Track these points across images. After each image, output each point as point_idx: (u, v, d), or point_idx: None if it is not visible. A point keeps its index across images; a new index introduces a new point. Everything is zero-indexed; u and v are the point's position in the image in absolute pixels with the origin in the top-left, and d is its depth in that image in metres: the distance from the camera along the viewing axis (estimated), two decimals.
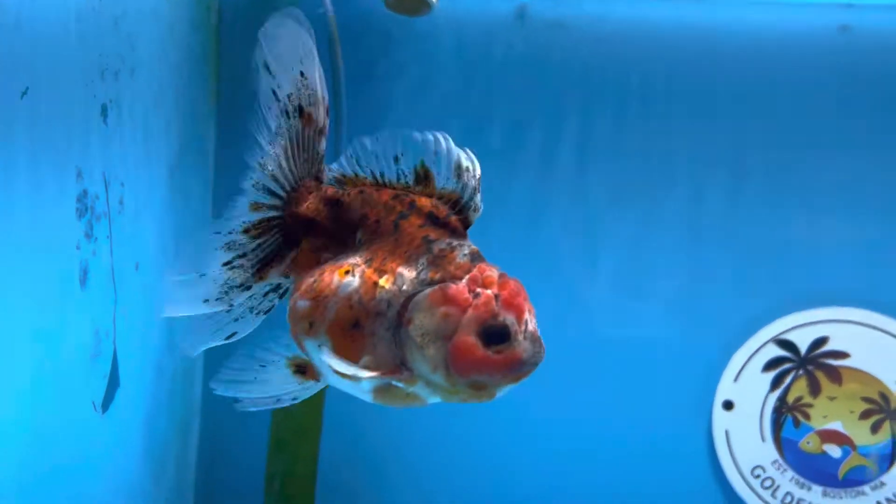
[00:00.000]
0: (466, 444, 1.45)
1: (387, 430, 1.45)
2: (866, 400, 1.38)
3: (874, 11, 1.37)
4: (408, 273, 0.64)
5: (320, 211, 0.69)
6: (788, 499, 1.40)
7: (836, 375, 1.39)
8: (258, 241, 0.69)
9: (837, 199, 1.40)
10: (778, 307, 1.40)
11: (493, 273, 0.63)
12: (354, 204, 0.68)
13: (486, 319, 0.61)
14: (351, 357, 0.64)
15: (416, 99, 1.44)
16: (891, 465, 1.37)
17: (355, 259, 0.66)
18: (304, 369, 0.71)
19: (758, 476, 1.41)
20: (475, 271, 0.63)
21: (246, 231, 0.69)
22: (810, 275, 1.40)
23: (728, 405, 1.42)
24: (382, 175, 0.67)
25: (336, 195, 0.69)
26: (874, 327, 1.37)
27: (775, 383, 1.41)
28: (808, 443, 1.40)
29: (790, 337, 1.40)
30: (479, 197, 0.67)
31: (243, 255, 0.69)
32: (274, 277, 0.71)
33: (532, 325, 0.62)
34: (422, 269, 0.64)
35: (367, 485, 1.47)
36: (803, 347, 1.40)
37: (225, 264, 0.68)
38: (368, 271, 0.65)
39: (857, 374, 1.38)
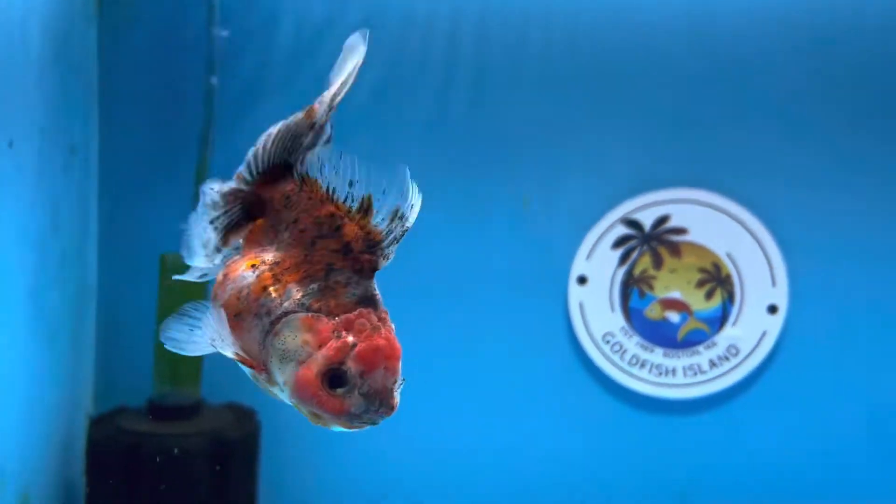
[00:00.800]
0: None
1: None
2: (702, 270, 1.55)
3: None
4: (296, 292, 0.67)
5: (275, 199, 0.72)
6: (634, 360, 1.56)
7: (676, 250, 1.56)
8: (226, 208, 0.72)
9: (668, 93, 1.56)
10: (625, 190, 1.55)
11: (366, 322, 0.66)
12: (297, 205, 0.71)
13: (331, 363, 0.64)
14: (233, 329, 0.69)
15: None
16: (721, 326, 1.55)
17: (267, 256, 0.70)
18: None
19: (608, 342, 1.57)
20: (353, 315, 0.66)
21: (223, 195, 0.72)
22: (653, 160, 1.56)
23: (582, 280, 1.58)
24: (334, 191, 0.69)
25: (291, 191, 0.71)
26: (709, 205, 1.53)
27: (623, 259, 1.57)
28: (652, 311, 1.57)
29: (636, 216, 1.55)
30: (394, 248, 0.69)
31: (216, 218, 0.72)
32: (233, 244, 0.74)
33: (379, 385, 0.65)
34: (309, 293, 0.67)
35: None
36: (647, 225, 1.55)
37: (211, 222, 0.72)
38: (266, 273, 0.68)
39: (694, 247, 1.55)
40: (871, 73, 1.52)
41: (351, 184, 0.69)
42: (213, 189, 0.71)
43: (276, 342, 0.66)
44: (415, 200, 0.68)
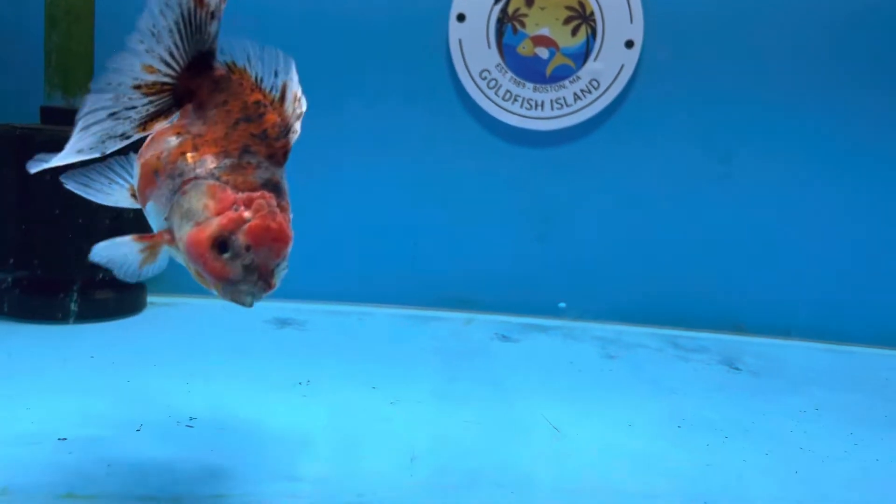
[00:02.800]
0: None
1: None
2: (568, 8, 1.70)
3: None
4: (210, 162, 0.73)
5: (204, 86, 0.77)
6: (508, 95, 1.72)
7: None
8: (149, 98, 0.76)
9: None
10: None
11: (265, 204, 0.71)
12: (227, 89, 0.76)
13: (223, 230, 0.69)
14: (145, 185, 0.76)
15: None
16: (584, 61, 1.71)
17: (193, 126, 0.76)
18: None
19: (484, 78, 1.71)
20: (256, 195, 0.72)
21: (137, 87, 0.75)
22: None
23: (461, 17, 1.69)
24: (261, 80, 0.76)
25: (220, 78, 0.77)
26: None
27: None
28: (524, 47, 1.71)
29: None
30: (299, 125, 0.76)
31: (132, 108, 0.75)
32: (156, 128, 0.78)
33: (261, 260, 0.69)
34: (222, 167, 0.73)
35: None
36: None
37: (111, 115, 0.75)
38: (188, 141, 0.75)
39: None
40: None
41: (276, 73, 0.75)
42: (112, 83, 0.74)
43: (181, 200, 0.72)
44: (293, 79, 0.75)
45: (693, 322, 1.75)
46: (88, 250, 0.74)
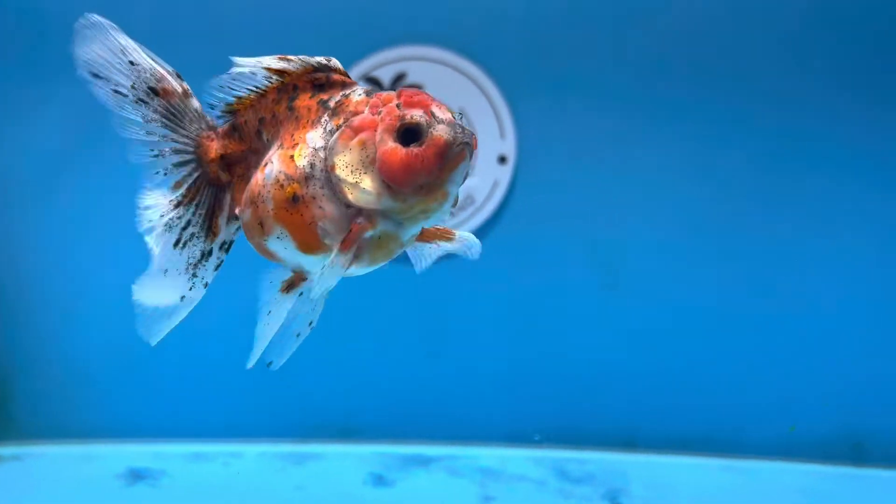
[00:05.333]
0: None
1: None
2: None
3: None
4: (314, 133, 0.67)
5: (227, 145, 0.72)
6: None
7: None
8: (194, 204, 0.72)
9: None
10: (365, 47, 1.59)
11: (389, 92, 0.66)
12: (250, 117, 0.72)
13: (395, 125, 0.63)
14: (306, 228, 0.67)
15: None
16: None
17: (269, 153, 0.70)
18: (292, 282, 0.75)
19: None
20: (373, 98, 0.66)
21: (178, 205, 0.72)
22: (392, 16, 1.60)
23: None
24: (257, 87, 0.71)
25: (232, 124, 0.73)
26: (436, 61, 1.60)
27: None
28: None
29: (376, 73, 1.60)
30: (333, 57, 0.72)
31: (187, 225, 0.72)
32: (223, 224, 0.74)
33: (444, 114, 0.64)
34: (326, 124, 0.67)
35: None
36: (387, 81, 1.61)
37: (176, 244, 0.71)
38: (282, 152, 0.68)
39: None
40: None
41: (254, 73, 0.71)
42: (154, 221, 0.71)
43: (339, 173, 0.64)
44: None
45: (586, 440, 1.68)
46: None
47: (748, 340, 1.67)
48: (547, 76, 1.61)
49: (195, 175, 0.73)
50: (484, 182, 1.63)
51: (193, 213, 0.72)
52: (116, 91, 0.71)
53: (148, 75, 0.71)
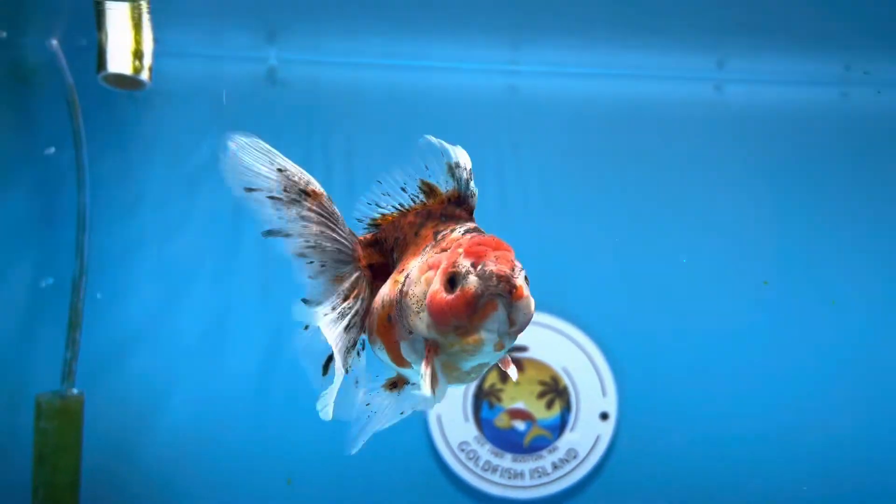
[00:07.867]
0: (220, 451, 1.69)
1: (151, 443, 1.67)
2: (542, 383, 1.75)
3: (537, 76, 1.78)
4: (415, 261, 0.72)
5: (371, 255, 0.78)
6: (487, 466, 1.73)
7: (519, 365, 1.75)
8: (360, 298, 0.76)
9: None
10: None
11: (473, 236, 0.68)
12: (388, 234, 0.78)
13: (447, 270, 0.66)
14: (395, 345, 0.71)
15: (174, 163, 1.71)
16: (561, 433, 1.74)
17: (392, 275, 0.75)
18: (394, 382, 0.79)
19: (463, 450, 1.74)
20: (458, 240, 0.69)
21: (346, 297, 0.74)
22: None
23: None
24: (402, 205, 0.77)
25: (374, 237, 0.79)
26: (543, 325, 1.75)
27: None
28: (501, 420, 1.75)
29: None
30: (472, 184, 0.75)
31: (356, 314, 0.75)
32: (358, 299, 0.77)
33: (494, 266, 0.64)
34: (425, 254, 0.71)
35: (132, 493, 1.67)
36: None
37: (346, 329, 0.74)
38: (393, 275, 0.75)
39: (534, 363, 1.75)
40: None
41: (403, 189, 0.76)
42: (326, 307, 0.73)
43: (408, 300, 0.69)
44: (456, 151, 0.74)
45: None
46: None
47: None
48: (646, 342, 1.73)
49: (358, 273, 0.75)
50: (586, 437, 1.73)
51: (361, 304, 0.75)
52: (271, 198, 0.72)
53: (296, 178, 0.74)
